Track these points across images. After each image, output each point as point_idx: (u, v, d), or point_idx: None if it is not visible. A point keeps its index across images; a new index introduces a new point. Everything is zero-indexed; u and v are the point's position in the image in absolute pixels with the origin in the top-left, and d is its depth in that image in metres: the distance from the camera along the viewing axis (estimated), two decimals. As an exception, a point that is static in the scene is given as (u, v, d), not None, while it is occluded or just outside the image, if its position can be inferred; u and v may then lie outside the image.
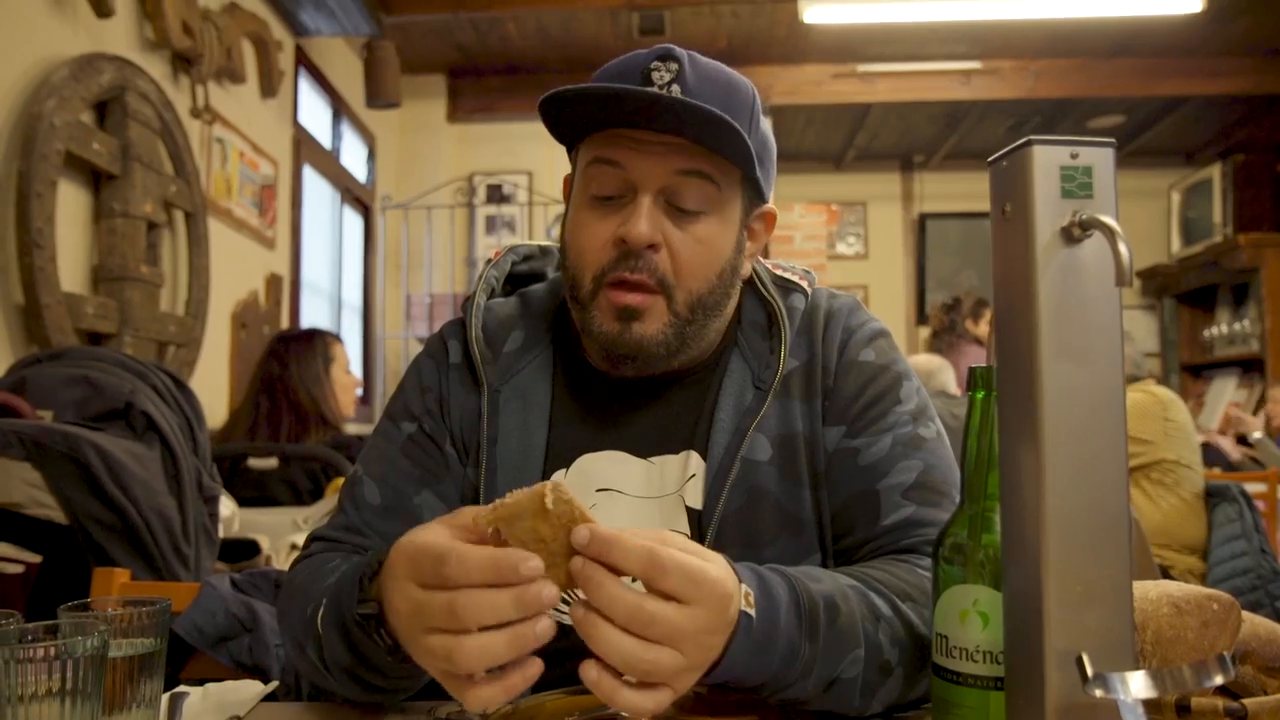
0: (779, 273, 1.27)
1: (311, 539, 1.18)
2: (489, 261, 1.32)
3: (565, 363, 1.24)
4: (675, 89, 1.08)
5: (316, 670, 1.01)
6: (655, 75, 1.09)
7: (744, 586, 0.84)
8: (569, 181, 1.21)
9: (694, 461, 1.16)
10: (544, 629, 0.74)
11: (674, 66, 1.09)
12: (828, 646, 0.90)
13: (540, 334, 1.24)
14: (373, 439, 1.24)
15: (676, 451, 1.17)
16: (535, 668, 0.76)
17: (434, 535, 0.78)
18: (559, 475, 1.17)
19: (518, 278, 1.35)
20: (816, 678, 0.91)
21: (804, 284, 1.25)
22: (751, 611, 0.84)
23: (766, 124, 1.20)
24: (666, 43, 1.13)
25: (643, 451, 1.18)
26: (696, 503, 1.14)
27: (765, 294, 1.24)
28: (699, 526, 1.13)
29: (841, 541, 1.14)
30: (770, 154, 1.19)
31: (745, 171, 1.13)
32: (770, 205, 1.22)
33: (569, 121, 1.15)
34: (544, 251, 1.39)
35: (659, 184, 1.09)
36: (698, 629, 0.77)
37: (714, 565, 0.80)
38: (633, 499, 1.16)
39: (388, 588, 0.81)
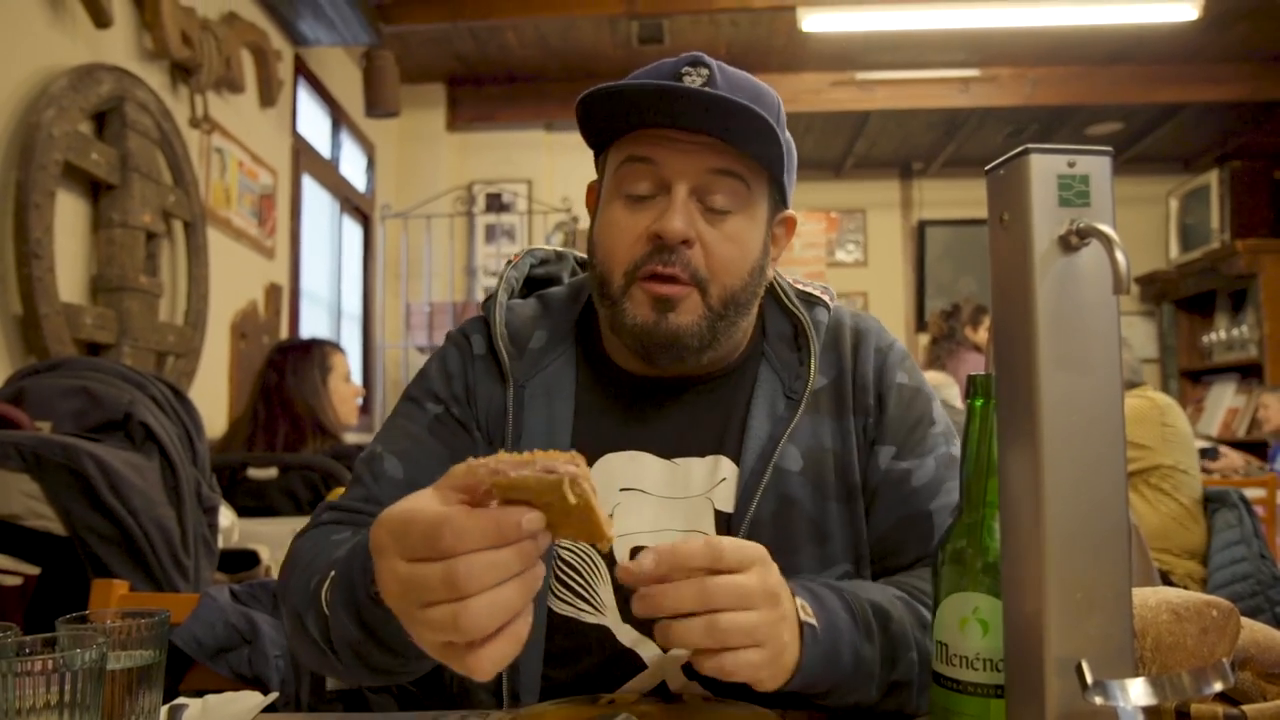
0: (800, 286, 1.29)
1: (324, 508, 1.17)
2: (509, 263, 1.33)
3: (589, 362, 1.25)
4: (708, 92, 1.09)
5: (314, 647, 0.98)
6: (687, 79, 1.11)
7: (797, 599, 0.92)
8: (595, 188, 1.23)
9: (724, 466, 1.17)
10: (542, 569, 0.73)
11: (704, 72, 1.11)
12: (884, 649, 0.97)
13: (564, 333, 1.25)
14: (392, 420, 1.23)
15: (701, 454, 1.18)
16: (529, 609, 0.73)
17: (419, 504, 0.72)
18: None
19: (533, 281, 1.37)
20: (880, 680, 0.97)
21: (825, 298, 1.28)
22: (812, 620, 0.92)
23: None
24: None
25: (665, 452, 1.19)
26: (727, 506, 1.15)
27: (790, 306, 1.25)
28: (728, 530, 1.14)
29: (891, 560, 1.16)
30: (793, 161, 1.21)
31: (773, 173, 1.15)
32: (791, 211, 1.24)
33: (605, 122, 1.16)
34: (559, 256, 1.40)
35: (693, 181, 1.11)
36: (763, 581, 0.87)
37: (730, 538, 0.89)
38: (657, 499, 1.17)
39: (376, 566, 0.75)
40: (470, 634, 0.68)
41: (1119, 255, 0.70)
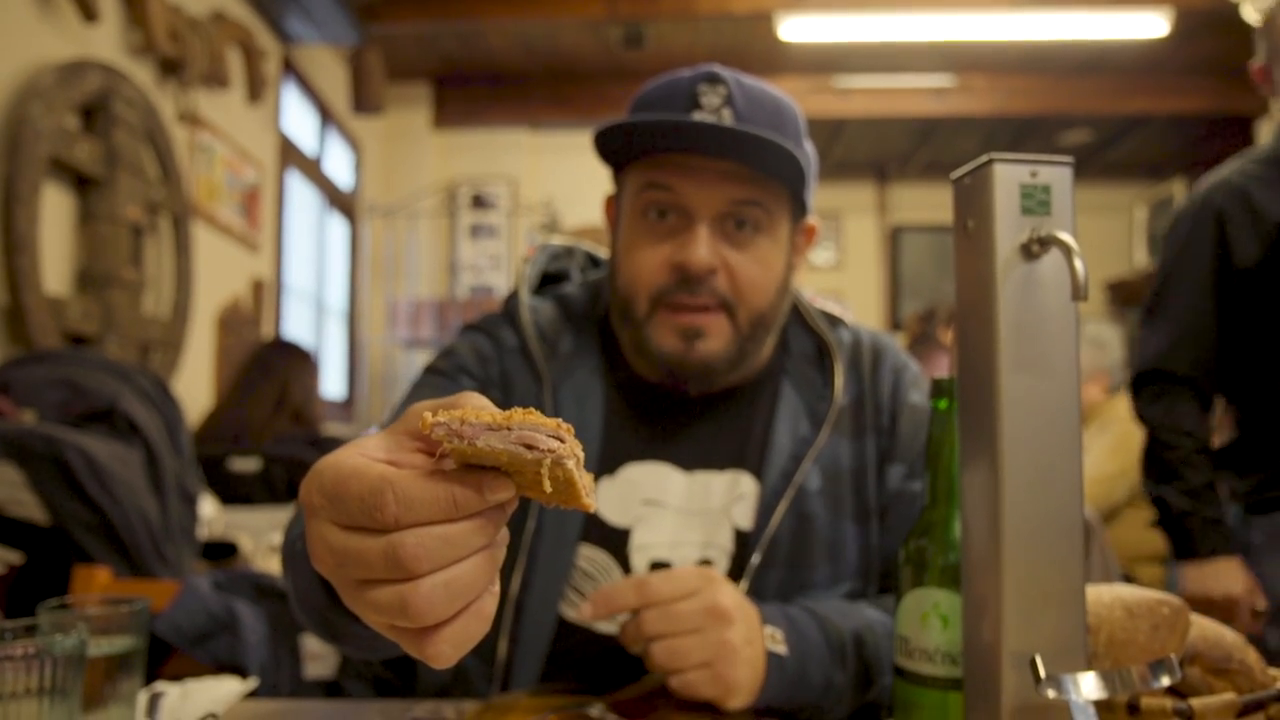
0: (819, 306, 1.30)
1: None
2: (525, 259, 1.34)
3: (613, 371, 1.25)
4: (726, 113, 1.10)
5: (300, 613, 0.91)
6: (704, 100, 1.11)
7: (769, 628, 0.98)
8: (613, 203, 1.24)
9: (745, 482, 1.18)
10: (506, 536, 0.59)
11: (723, 90, 1.11)
12: (858, 675, 1.03)
13: (589, 341, 1.26)
14: (417, 392, 1.20)
15: (721, 469, 1.19)
16: (496, 583, 0.59)
17: (361, 457, 0.58)
18: (603, 481, 1.19)
19: (544, 276, 1.37)
20: (851, 703, 1.03)
21: (845, 318, 1.30)
22: (780, 649, 0.98)
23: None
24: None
25: (685, 464, 1.20)
26: (745, 522, 1.16)
27: (814, 326, 1.27)
28: (745, 546, 1.16)
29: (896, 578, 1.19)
30: (814, 169, 1.21)
31: (794, 192, 1.16)
32: (812, 220, 1.25)
33: (623, 146, 1.17)
34: (569, 251, 1.41)
35: (714, 211, 1.11)
36: (705, 604, 0.94)
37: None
38: (676, 513, 1.18)
39: (307, 529, 0.60)
40: (421, 620, 0.55)
41: (1078, 263, 0.73)
